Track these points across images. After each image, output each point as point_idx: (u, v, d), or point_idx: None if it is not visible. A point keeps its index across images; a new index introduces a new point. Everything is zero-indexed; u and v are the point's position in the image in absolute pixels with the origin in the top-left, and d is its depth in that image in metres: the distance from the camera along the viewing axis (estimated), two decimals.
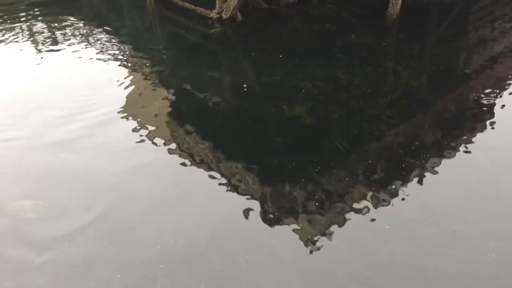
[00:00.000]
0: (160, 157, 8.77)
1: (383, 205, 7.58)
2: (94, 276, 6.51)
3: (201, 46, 13.17)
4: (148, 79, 11.35)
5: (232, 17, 13.85)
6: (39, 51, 12.89)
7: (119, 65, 12.06)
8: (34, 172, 8.41)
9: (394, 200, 7.68)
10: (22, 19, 15.07)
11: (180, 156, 8.78)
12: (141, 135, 9.30)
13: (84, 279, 6.47)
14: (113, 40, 13.48)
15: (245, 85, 10.80)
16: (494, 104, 10.07)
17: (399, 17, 13.52)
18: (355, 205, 7.56)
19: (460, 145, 8.96)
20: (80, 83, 11.14)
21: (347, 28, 13.56)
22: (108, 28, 14.30)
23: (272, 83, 10.95)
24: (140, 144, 9.09)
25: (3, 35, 13.76)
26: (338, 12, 14.65)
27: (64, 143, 9.04)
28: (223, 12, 13.88)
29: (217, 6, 14.01)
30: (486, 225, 7.19)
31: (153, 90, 10.97)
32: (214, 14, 14.04)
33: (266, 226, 7.29)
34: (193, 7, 14.59)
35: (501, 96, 10.32)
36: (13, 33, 13.98)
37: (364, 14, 14.33)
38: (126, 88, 10.89)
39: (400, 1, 13.31)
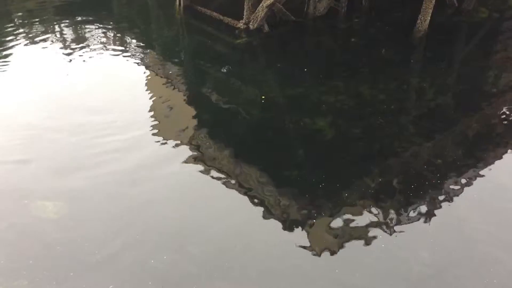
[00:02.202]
0: (181, 165, 8.85)
1: (401, 221, 7.53)
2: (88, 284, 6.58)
3: (227, 56, 13.29)
4: (172, 87, 11.49)
5: (259, 28, 13.96)
6: (66, 54, 13.07)
7: (144, 72, 12.23)
8: (61, 175, 8.54)
9: (414, 217, 7.62)
10: (51, 21, 15.37)
11: (199, 164, 8.86)
12: (162, 141, 9.41)
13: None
14: (140, 47, 13.70)
15: (263, 97, 10.86)
16: None
17: (427, 34, 13.45)
18: (373, 220, 7.52)
19: (483, 165, 8.85)
20: (105, 89, 11.32)
21: (374, 43, 13.53)
22: (136, 35, 14.54)
23: (295, 96, 10.98)
24: (161, 148, 9.20)
25: (32, 37, 14.06)
26: (365, 27, 14.64)
27: (89, 149, 9.15)
28: (251, 23, 14.00)
29: (244, 16, 14.13)
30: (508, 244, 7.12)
31: (176, 97, 11.10)
32: (241, 24, 14.17)
33: (285, 234, 7.34)
34: (221, 17, 14.75)
35: None
36: (42, 35, 14.26)
37: (391, 30, 14.28)
38: (149, 94, 11.03)
39: (429, 18, 13.24)
